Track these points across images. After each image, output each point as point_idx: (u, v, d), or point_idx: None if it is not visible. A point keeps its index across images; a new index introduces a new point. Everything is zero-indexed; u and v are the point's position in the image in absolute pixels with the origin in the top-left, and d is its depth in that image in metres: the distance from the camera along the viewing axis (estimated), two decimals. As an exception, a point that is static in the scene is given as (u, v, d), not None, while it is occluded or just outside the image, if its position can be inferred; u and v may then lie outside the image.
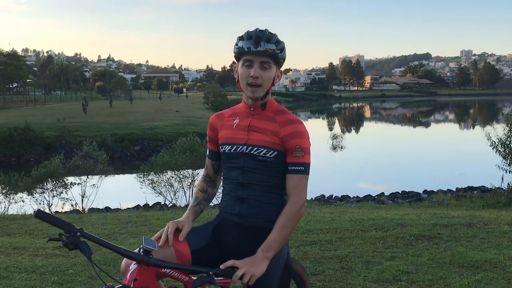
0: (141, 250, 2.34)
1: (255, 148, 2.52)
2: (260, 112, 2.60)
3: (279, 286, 2.54)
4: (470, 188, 16.81)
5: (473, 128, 51.68)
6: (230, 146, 2.60)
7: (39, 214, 2.28)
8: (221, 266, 2.36)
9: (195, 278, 2.38)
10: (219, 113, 2.80)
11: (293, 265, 2.76)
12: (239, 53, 2.53)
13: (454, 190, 16.63)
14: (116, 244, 2.39)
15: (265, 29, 2.53)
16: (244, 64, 2.53)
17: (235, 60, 2.63)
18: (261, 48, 2.46)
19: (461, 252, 5.75)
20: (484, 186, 16.56)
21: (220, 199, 2.80)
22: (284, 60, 2.58)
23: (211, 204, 2.94)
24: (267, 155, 2.50)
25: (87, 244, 2.29)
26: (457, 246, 6.06)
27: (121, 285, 2.38)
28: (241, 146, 2.56)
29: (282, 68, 2.71)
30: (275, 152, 2.51)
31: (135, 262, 2.36)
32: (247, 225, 2.56)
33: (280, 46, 2.52)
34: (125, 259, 2.47)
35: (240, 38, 2.54)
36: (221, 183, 2.80)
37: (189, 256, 2.53)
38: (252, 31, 2.52)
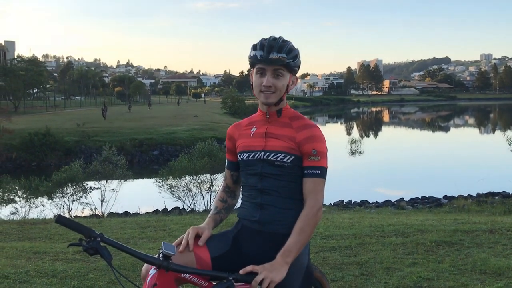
0: (161, 255, 2.34)
1: (273, 154, 2.53)
2: (276, 118, 2.61)
3: (300, 293, 2.51)
4: (491, 194, 16.60)
5: (494, 133, 51.08)
6: (248, 154, 2.61)
7: (59, 219, 2.30)
8: (241, 271, 2.35)
9: (215, 284, 2.38)
10: (237, 123, 2.82)
11: (313, 272, 2.74)
12: (252, 62, 2.56)
13: (475, 195, 16.44)
14: (135, 248, 2.39)
15: (279, 37, 2.54)
16: (257, 73, 2.55)
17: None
18: (273, 57, 2.47)
19: (483, 258, 5.66)
20: (505, 192, 16.38)
21: (239, 205, 2.80)
22: (298, 67, 2.59)
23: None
24: (284, 160, 2.50)
25: (107, 249, 2.29)
26: (478, 252, 5.98)
27: (140, 290, 2.39)
28: (258, 153, 2.57)
29: (300, 73, 2.70)
30: (292, 157, 2.51)
31: (155, 267, 2.36)
32: (267, 231, 2.55)
33: (292, 54, 2.52)
34: (145, 264, 2.47)
35: (254, 47, 2.55)
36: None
37: (209, 262, 2.52)
38: (266, 40, 2.53)
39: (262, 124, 2.64)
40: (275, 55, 2.47)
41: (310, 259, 2.58)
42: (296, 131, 2.54)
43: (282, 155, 2.51)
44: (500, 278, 5.01)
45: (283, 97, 2.57)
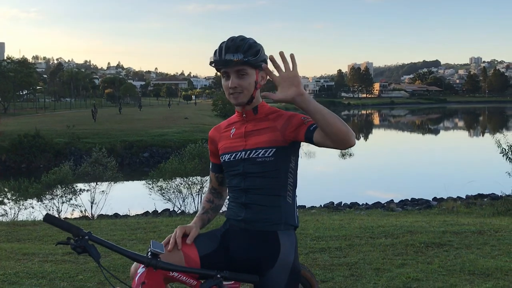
0: (149, 253, 2.34)
1: (254, 151, 2.53)
2: (254, 117, 2.61)
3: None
4: (480, 196, 16.72)
5: (483, 135, 51.44)
6: (229, 155, 2.62)
7: (47, 218, 2.30)
8: None
9: (203, 282, 2.38)
10: (217, 126, 2.84)
11: (302, 271, 2.75)
12: (215, 67, 2.55)
13: (464, 197, 16.55)
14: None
15: (238, 37, 2.51)
16: (223, 76, 2.54)
17: None
18: (228, 58, 2.44)
19: (472, 259, 5.70)
20: (494, 194, 16.47)
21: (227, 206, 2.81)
22: (264, 61, 2.51)
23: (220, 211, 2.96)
24: (266, 155, 2.50)
25: (95, 247, 2.29)
26: (467, 253, 6.02)
27: (129, 288, 2.38)
28: (239, 153, 2.57)
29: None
30: (274, 150, 2.50)
31: (143, 265, 2.35)
32: (253, 229, 2.56)
33: (252, 51, 2.46)
34: (135, 263, 2.47)
35: (214, 52, 2.53)
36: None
37: (197, 260, 2.53)
38: (223, 42, 2.50)
39: (241, 125, 2.64)
40: (230, 56, 2.44)
41: (297, 257, 2.58)
42: (274, 120, 2.54)
43: (263, 150, 2.51)
44: (488, 279, 5.05)
45: (254, 94, 2.54)
